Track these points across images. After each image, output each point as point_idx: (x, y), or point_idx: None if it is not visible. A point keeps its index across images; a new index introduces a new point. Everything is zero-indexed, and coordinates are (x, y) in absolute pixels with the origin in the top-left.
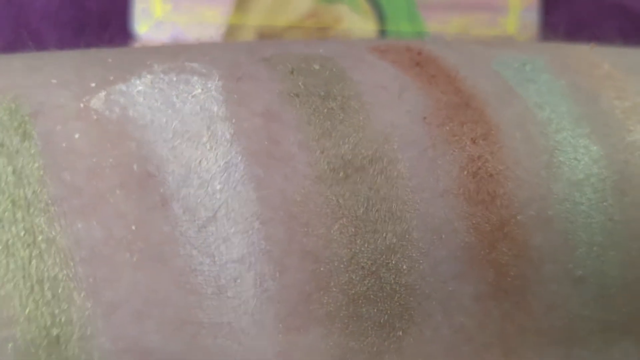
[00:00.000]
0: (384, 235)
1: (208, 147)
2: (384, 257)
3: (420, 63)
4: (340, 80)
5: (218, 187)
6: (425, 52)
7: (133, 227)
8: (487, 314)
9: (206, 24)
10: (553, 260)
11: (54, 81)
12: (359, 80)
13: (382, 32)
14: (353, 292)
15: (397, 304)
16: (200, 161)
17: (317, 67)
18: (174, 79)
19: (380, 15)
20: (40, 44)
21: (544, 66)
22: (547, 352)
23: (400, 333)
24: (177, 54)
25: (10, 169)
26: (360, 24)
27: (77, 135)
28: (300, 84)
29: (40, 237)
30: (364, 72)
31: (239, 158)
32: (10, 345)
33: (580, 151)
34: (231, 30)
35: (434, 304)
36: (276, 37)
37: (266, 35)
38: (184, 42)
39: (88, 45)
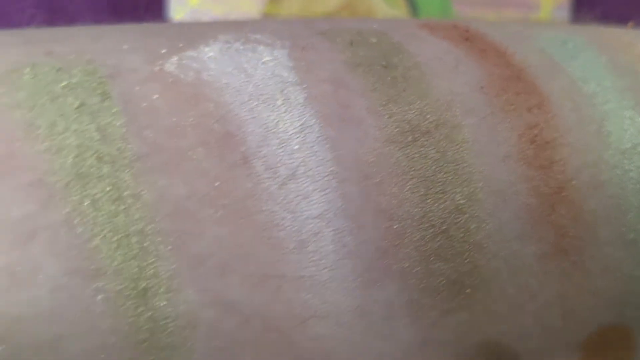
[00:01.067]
0: (453, 196)
1: (283, 109)
2: (453, 216)
3: (469, 39)
4: (399, 52)
5: (296, 147)
6: (472, 29)
7: (216, 184)
8: (548, 273)
9: (241, 13)
10: (607, 223)
11: (125, 47)
12: (415, 52)
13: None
14: (425, 249)
15: (467, 261)
16: (277, 122)
17: (374, 40)
18: (241, 47)
19: (414, 8)
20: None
21: (585, 44)
22: (602, 313)
23: (469, 290)
24: (238, 27)
25: (93, 126)
26: (393, 16)
27: (155, 96)
28: (361, 54)
29: (126, 192)
30: (418, 45)
31: (313, 120)
32: (100, 296)
33: (626, 122)
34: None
35: (500, 262)
36: None
37: None
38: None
39: None
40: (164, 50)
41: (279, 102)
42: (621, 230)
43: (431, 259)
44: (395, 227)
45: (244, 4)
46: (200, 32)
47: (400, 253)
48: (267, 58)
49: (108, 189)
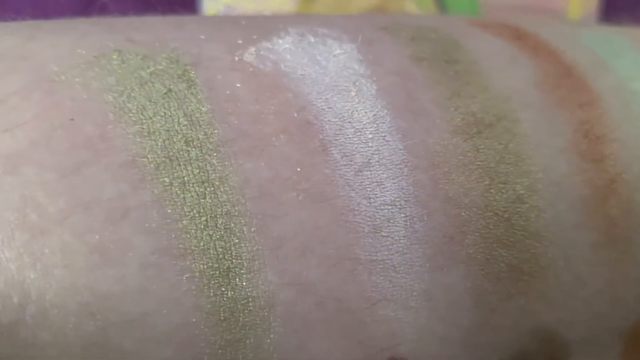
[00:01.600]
0: (514, 186)
1: (356, 100)
2: (514, 205)
3: (520, 37)
4: (457, 47)
5: (370, 136)
6: (521, 28)
7: (298, 169)
8: (600, 262)
9: (274, 11)
10: None
11: (202, 37)
12: (472, 48)
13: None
14: (489, 236)
15: (526, 249)
16: (351, 113)
17: (433, 35)
18: (312, 40)
19: (444, 13)
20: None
21: (627, 43)
22: None
23: (527, 277)
24: (305, 20)
25: (181, 112)
26: None
27: (237, 85)
28: (424, 49)
29: (213, 175)
30: (475, 41)
31: (385, 111)
32: (186, 275)
33: None
34: None
35: (557, 251)
36: None
37: None
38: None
39: None
40: (240, 41)
41: (352, 93)
42: None
43: (494, 245)
44: (462, 214)
45: (277, 2)
46: (270, 24)
47: (466, 240)
48: (338, 51)
49: (196, 171)
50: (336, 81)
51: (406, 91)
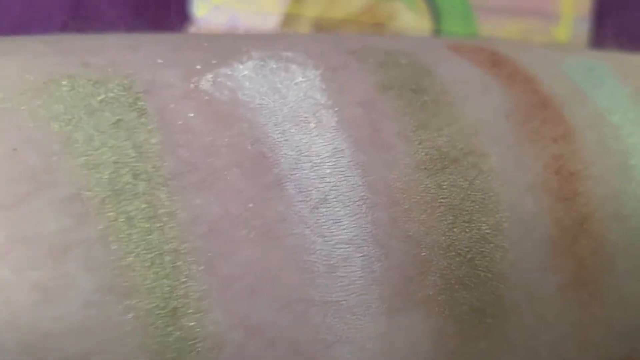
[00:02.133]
0: (479, 225)
1: (315, 133)
2: (478, 245)
3: (496, 63)
4: (428, 75)
5: (328, 171)
6: (500, 53)
7: (250, 205)
8: (566, 304)
9: (263, 12)
10: (626, 256)
11: (159, 61)
12: (444, 75)
13: (436, 32)
14: (450, 277)
15: (489, 291)
16: (309, 145)
17: (403, 61)
18: (274, 66)
19: (436, 15)
20: (98, 22)
21: (609, 72)
22: (616, 345)
23: (490, 320)
24: (270, 43)
25: (129, 143)
26: (415, 22)
27: (191, 114)
28: (391, 76)
29: (161, 210)
30: (447, 68)
31: (345, 145)
32: (131, 314)
33: None
34: (288, 20)
35: (521, 292)
36: (332, 29)
37: (322, 28)
38: (249, 30)
39: (146, 25)
40: (198, 67)
41: (311, 125)
42: (639, 263)
43: (456, 287)
44: (422, 254)
45: (266, 3)
46: (233, 47)
47: (426, 281)
48: (300, 79)
49: (143, 206)
50: (295, 111)
51: (369, 123)
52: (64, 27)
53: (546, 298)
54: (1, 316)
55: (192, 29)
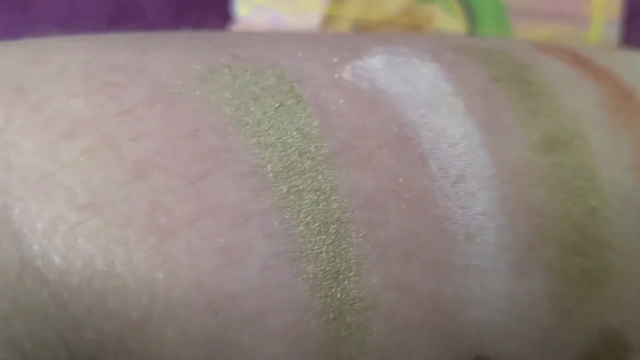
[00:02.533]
0: (588, 199)
1: (447, 117)
2: (588, 217)
3: (580, 61)
4: (528, 69)
5: (462, 150)
6: (579, 53)
7: (400, 180)
8: None
9: (304, 12)
10: None
11: (300, 54)
12: (541, 70)
13: (472, 34)
14: (566, 244)
15: (599, 257)
16: (445, 128)
17: (504, 57)
18: (398, 60)
19: (471, 18)
20: (141, 20)
21: None
22: None
23: (598, 283)
24: (386, 40)
25: (293, 126)
26: (450, 25)
27: (341, 101)
28: (498, 70)
29: (325, 185)
30: (542, 64)
31: (474, 128)
32: (301, 277)
33: None
34: (328, 21)
35: (626, 259)
36: (370, 31)
37: (361, 29)
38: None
39: (188, 23)
40: (335, 60)
41: (443, 110)
42: None
43: (570, 253)
44: (543, 224)
45: (307, 4)
46: (357, 44)
47: (546, 248)
48: (425, 70)
49: (309, 181)
50: (428, 98)
51: (489, 109)
52: (110, 25)
53: None
54: (190, 279)
55: (234, 28)
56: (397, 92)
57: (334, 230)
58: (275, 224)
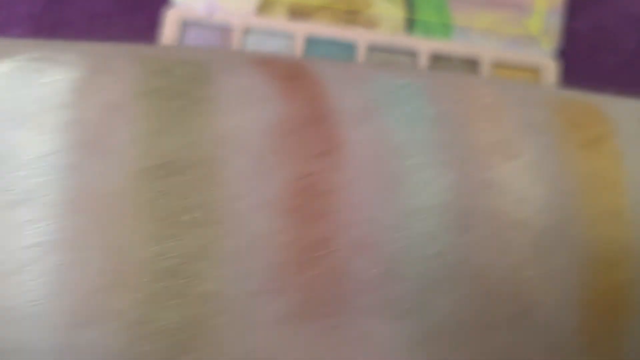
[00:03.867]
0: (191, 239)
1: (33, 132)
2: (189, 260)
3: (292, 76)
4: (199, 82)
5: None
6: (302, 67)
7: None
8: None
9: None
10: (371, 290)
11: None
12: (221, 83)
13: (410, 21)
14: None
15: None
16: (24, 144)
17: (179, 71)
18: (30, 66)
19: (410, 4)
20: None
21: (421, 91)
22: None
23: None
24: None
25: None
26: (389, 11)
27: None
28: (156, 82)
29: None
30: (230, 77)
31: (65, 146)
32: None
33: (428, 180)
34: (264, 6)
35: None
36: (307, 16)
37: (297, 13)
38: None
39: (125, 6)
40: None
41: (29, 124)
42: (389, 299)
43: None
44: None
45: None
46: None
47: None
48: (46, 80)
49: None
50: (27, 111)
51: (95, 128)
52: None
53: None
54: None
55: (171, 12)
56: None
57: None
58: None
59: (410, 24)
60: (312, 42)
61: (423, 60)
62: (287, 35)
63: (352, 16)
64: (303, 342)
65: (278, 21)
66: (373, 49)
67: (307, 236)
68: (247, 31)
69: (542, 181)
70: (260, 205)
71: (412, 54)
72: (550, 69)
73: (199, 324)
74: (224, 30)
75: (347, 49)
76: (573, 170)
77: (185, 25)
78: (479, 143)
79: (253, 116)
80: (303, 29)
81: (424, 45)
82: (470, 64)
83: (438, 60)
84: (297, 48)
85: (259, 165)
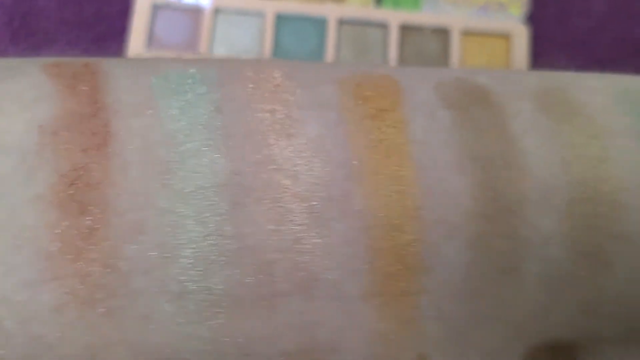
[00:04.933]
0: None
1: None
2: None
3: (76, 75)
4: None
5: None
6: (90, 66)
7: None
8: None
9: None
10: (144, 272)
11: None
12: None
13: (378, 2)
14: None
15: None
16: None
17: None
18: None
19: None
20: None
21: (208, 79)
22: None
23: None
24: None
25: None
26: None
27: None
28: None
29: None
30: (4, 83)
31: None
32: None
33: (203, 163)
34: None
35: None
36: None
37: None
38: None
39: None
40: None
41: None
42: (166, 281)
43: None
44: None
45: None
46: None
47: None
48: None
49: None
50: None
51: None
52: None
53: None
54: None
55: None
56: None
57: None
58: None
59: (379, 5)
60: (282, 19)
61: (393, 32)
62: (258, 13)
63: (320, 3)
64: (86, 326)
65: (248, 0)
66: (343, 23)
67: (81, 225)
68: (217, 11)
69: (322, 155)
70: (29, 200)
71: (382, 26)
72: (521, 34)
73: None
74: (195, 12)
75: (317, 24)
76: (356, 142)
77: (156, 8)
78: (262, 124)
79: (26, 117)
80: (273, 6)
81: (394, 17)
82: (441, 34)
83: (409, 32)
84: (268, 26)
85: (22, 164)
